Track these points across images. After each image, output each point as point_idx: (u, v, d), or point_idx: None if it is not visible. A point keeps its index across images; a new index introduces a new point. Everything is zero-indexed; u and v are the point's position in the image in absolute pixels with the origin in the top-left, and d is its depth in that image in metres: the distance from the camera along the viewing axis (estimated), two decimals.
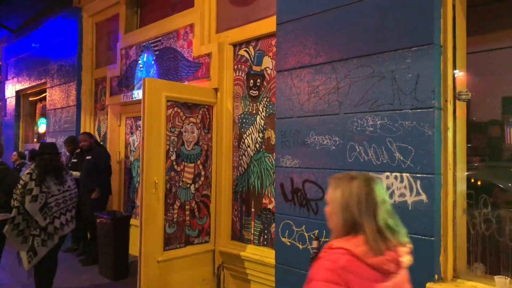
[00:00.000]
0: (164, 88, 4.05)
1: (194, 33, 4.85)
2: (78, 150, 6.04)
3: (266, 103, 4.16)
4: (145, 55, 5.68)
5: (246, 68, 4.37)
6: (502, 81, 4.21)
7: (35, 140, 9.34)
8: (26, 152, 7.93)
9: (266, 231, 4.12)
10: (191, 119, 4.32)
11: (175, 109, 4.17)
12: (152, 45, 5.56)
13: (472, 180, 2.89)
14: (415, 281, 2.51)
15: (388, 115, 2.70)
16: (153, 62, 5.52)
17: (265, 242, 4.12)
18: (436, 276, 2.48)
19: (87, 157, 5.68)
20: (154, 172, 3.93)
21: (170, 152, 4.12)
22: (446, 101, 2.59)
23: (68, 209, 4.06)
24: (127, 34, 6.12)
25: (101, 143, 6.38)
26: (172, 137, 4.15)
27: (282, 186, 3.36)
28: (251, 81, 4.32)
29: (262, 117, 4.19)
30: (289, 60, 3.36)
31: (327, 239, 2.98)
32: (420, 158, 2.54)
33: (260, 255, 4.00)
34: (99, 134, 6.79)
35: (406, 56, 2.65)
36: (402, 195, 2.61)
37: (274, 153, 3.60)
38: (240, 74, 4.44)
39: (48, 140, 7.59)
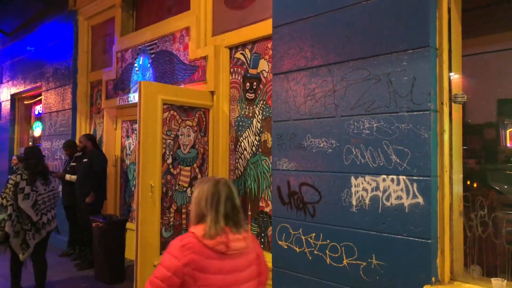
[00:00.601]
0: (160, 91, 4.04)
1: (190, 36, 4.85)
2: (78, 154, 6.02)
3: (263, 106, 4.15)
4: (141, 58, 5.67)
5: (242, 71, 4.37)
6: (497, 83, 4.23)
7: (30, 143, 9.29)
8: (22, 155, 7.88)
9: (263, 234, 4.11)
10: (188, 122, 4.31)
11: (171, 112, 4.16)
12: (148, 48, 5.55)
13: (468, 183, 2.90)
14: (413, 284, 2.52)
15: (384, 118, 2.71)
16: (149, 65, 5.51)
17: (262, 246, 4.11)
18: (433, 279, 2.48)
19: (84, 160, 5.66)
20: (150, 175, 3.92)
21: (166, 156, 4.11)
22: (442, 103, 2.60)
23: (52, 207, 4.53)
24: (123, 37, 6.11)
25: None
26: (168, 140, 4.13)
27: (279, 189, 3.36)
28: (247, 84, 4.32)
29: (259, 120, 4.19)
30: (285, 63, 3.37)
31: (325, 242, 2.98)
32: (417, 160, 2.54)
33: None
34: None
35: (402, 59, 2.65)
36: (398, 197, 2.61)
37: (271, 156, 3.60)
38: (236, 77, 4.43)
39: (44, 143, 7.55)
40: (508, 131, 4.43)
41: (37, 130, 8.91)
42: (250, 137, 4.27)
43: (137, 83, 4.21)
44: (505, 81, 4.20)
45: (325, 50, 3.09)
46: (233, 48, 4.47)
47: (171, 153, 4.16)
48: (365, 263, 2.77)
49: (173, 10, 5.42)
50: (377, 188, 2.72)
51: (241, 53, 4.39)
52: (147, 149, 3.90)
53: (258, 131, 4.19)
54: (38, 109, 8.88)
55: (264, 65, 4.16)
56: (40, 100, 8.08)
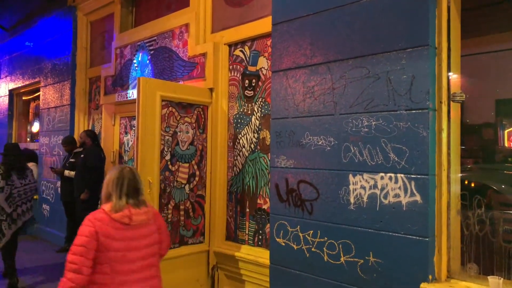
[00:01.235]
0: (159, 88, 4.04)
1: (189, 32, 4.84)
2: (77, 150, 6.02)
3: (261, 103, 4.15)
4: (140, 54, 5.66)
5: (241, 68, 4.37)
6: (495, 83, 4.24)
7: (28, 139, 9.27)
8: None
9: (260, 232, 4.12)
10: (186, 119, 4.31)
11: (170, 108, 4.16)
12: (147, 44, 5.54)
13: (466, 182, 2.91)
14: (410, 282, 2.53)
15: (383, 116, 2.71)
16: (148, 61, 5.50)
17: (259, 243, 4.12)
18: (430, 277, 2.49)
19: (81, 155, 5.66)
20: (149, 172, 3.92)
21: (165, 152, 4.11)
22: (441, 102, 2.60)
23: (28, 199, 4.95)
24: (122, 33, 6.10)
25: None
26: (167, 137, 4.13)
27: (277, 187, 3.36)
28: (246, 81, 4.31)
29: (257, 117, 4.19)
30: (284, 60, 3.37)
31: (322, 239, 2.99)
32: (415, 159, 2.55)
33: (254, 256, 3.99)
34: None
35: (401, 57, 2.66)
36: (396, 195, 2.62)
37: (269, 154, 3.60)
38: (235, 74, 4.43)
39: (42, 139, 7.54)
40: (506, 131, 4.45)
41: (35, 125, 8.90)
42: (248, 134, 4.27)
43: (136, 79, 4.20)
44: (504, 82, 4.21)
45: (325, 48, 3.09)
46: (232, 45, 4.46)
47: (170, 149, 4.15)
48: (362, 261, 2.78)
49: (173, 6, 5.41)
50: (375, 186, 2.73)
51: (240, 50, 4.38)
52: (146, 145, 3.90)
53: (257, 129, 4.19)
54: (36, 104, 8.86)
55: (263, 63, 4.15)
56: (38, 96, 8.06)
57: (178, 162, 4.23)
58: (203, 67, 4.62)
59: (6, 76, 9.25)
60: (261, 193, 4.12)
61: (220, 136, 4.46)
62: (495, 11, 3.39)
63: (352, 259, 2.83)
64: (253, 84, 4.24)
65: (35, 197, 7.33)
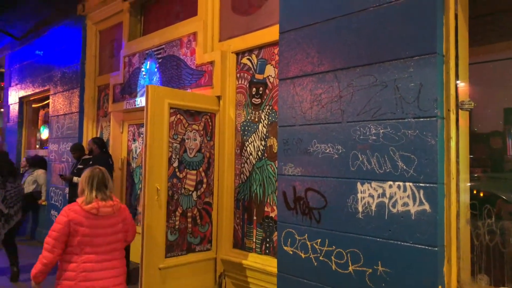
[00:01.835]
0: (167, 95, 4.07)
1: (197, 41, 4.88)
2: (85, 157, 6.06)
3: (269, 111, 4.16)
4: (148, 62, 5.71)
5: (249, 76, 4.39)
6: (504, 92, 4.21)
7: (37, 146, 9.36)
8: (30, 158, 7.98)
9: (268, 240, 4.11)
10: (194, 126, 4.33)
11: (178, 116, 4.18)
12: (155, 53, 5.59)
13: (475, 191, 2.88)
14: None
15: (390, 124, 2.70)
16: (156, 69, 5.55)
17: (267, 251, 4.11)
18: (440, 287, 2.46)
19: (90, 162, 5.70)
20: (156, 179, 3.93)
21: (173, 159, 4.13)
22: (449, 110, 2.59)
23: (18, 200, 5.39)
24: (131, 42, 6.16)
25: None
26: (175, 144, 4.15)
27: (284, 194, 3.36)
28: (254, 89, 4.33)
29: (265, 125, 4.20)
30: (291, 68, 3.38)
31: (330, 248, 2.97)
32: (423, 167, 2.53)
33: (262, 264, 3.98)
34: None
35: (408, 65, 2.65)
36: (405, 204, 2.60)
37: (277, 161, 3.60)
38: (242, 82, 4.45)
39: (51, 146, 7.61)
40: None
41: (44, 132, 8.99)
42: (256, 142, 4.28)
43: (144, 87, 4.25)
44: None
45: (332, 56, 3.10)
46: (239, 54, 4.49)
47: (177, 156, 4.17)
48: (371, 270, 2.75)
49: (181, 15, 5.46)
50: (383, 194, 2.71)
51: (248, 59, 4.41)
52: (154, 152, 3.92)
53: (264, 136, 4.20)
54: (46, 112, 8.96)
55: (270, 71, 4.17)
56: (48, 103, 8.15)
57: (185, 169, 4.24)
58: (211, 75, 4.65)
59: (16, 84, 9.37)
60: (268, 200, 4.12)
61: (227, 143, 4.48)
62: (503, 19, 3.38)
63: (360, 268, 2.81)
64: (260, 92, 4.26)
65: (43, 203, 7.45)
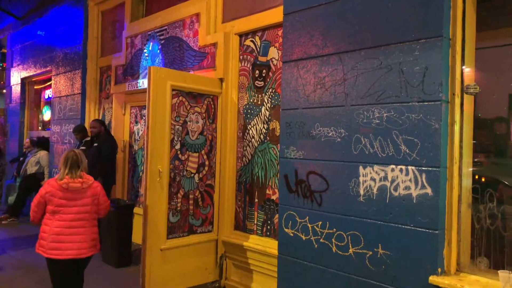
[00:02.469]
0: (169, 77, 4.05)
1: (200, 22, 4.83)
2: (88, 138, 6.07)
3: (272, 94, 4.14)
4: (151, 44, 5.66)
5: (252, 59, 4.35)
6: (509, 78, 4.16)
7: (39, 128, 9.37)
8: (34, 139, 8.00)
9: (269, 222, 4.13)
10: (196, 108, 4.32)
11: (180, 98, 4.17)
12: (157, 34, 5.54)
13: (477, 177, 2.87)
14: (419, 274, 2.53)
15: (394, 108, 2.69)
16: (158, 51, 5.50)
17: (268, 233, 4.14)
18: (439, 270, 2.49)
19: (95, 144, 5.71)
20: (159, 161, 3.94)
21: (175, 141, 4.13)
22: (454, 94, 2.57)
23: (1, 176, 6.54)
24: (133, 22, 6.10)
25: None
26: (177, 126, 4.15)
27: (286, 177, 3.36)
28: (257, 71, 4.30)
29: (267, 108, 4.18)
30: (295, 50, 3.34)
31: (331, 230, 2.99)
32: (426, 151, 2.53)
33: (262, 246, 4.02)
34: None
35: (414, 49, 2.62)
36: (407, 188, 2.61)
37: (279, 144, 3.60)
38: (245, 64, 4.42)
39: (53, 127, 7.62)
40: None
41: (46, 114, 8.98)
42: (258, 125, 4.27)
43: (146, 69, 4.21)
44: None
45: (336, 38, 3.06)
46: (243, 35, 4.44)
47: (180, 139, 4.17)
48: (371, 253, 2.78)
49: None
50: (385, 178, 2.72)
51: (251, 41, 4.36)
52: (156, 134, 3.92)
53: (267, 119, 4.19)
54: (48, 93, 8.94)
55: (274, 53, 4.13)
56: (50, 85, 8.13)
57: (187, 152, 4.25)
58: (214, 57, 4.61)
59: (18, 65, 9.33)
60: (270, 183, 4.13)
61: (229, 126, 4.47)
62: (510, 3, 3.32)
63: (360, 251, 2.84)
64: (264, 75, 4.23)
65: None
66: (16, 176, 7.78)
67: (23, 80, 9.25)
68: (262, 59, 4.25)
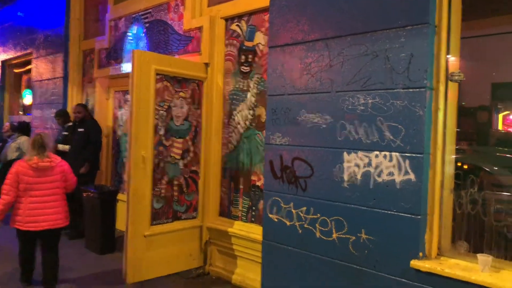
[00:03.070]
0: (153, 61, 3.97)
1: (185, 5, 4.74)
2: (70, 124, 5.95)
3: (258, 79, 4.11)
4: (135, 27, 5.55)
5: (238, 44, 4.30)
6: (492, 67, 4.22)
7: (20, 112, 9.15)
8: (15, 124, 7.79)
9: (254, 208, 4.14)
10: (181, 93, 4.26)
11: (165, 83, 4.10)
12: (142, 17, 5.43)
13: (459, 164, 2.92)
14: (400, 258, 2.57)
15: (379, 94, 2.69)
16: (143, 34, 5.40)
17: (252, 219, 4.15)
18: (420, 254, 2.53)
19: (79, 129, 5.60)
20: (142, 146, 3.89)
21: (159, 127, 4.07)
22: (438, 81, 2.58)
23: None
24: (117, 5, 5.95)
25: None
26: (161, 112, 4.09)
27: (271, 164, 3.36)
28: (243, 57, 4.25)
29: (253, 94, 4.15)
30: (282, 36, 3.31)
31: (315, 216, 3.01)
32: (410, 137, 2.55)
33: (247, 231, 4.03)
34: None
35: (400, 35, 2.62)
36: (390, 174, 2.63)
37: (265, 131, 3.58)
38: (231, 49, 4.36)
39: (34, 112, 7.45)
40: (501, 115, 4.46)
41: (27, 97, 8.76)
42: (244, 111, 4.24)
43: (130, 52, 4.12)
44: (501, 65, 4.19)
45: (323, 24, 3.04)
46: (229, 20, 4.38)
47: (164, 124, 4.12)
48: (354, 238, 2.81)
49: None
50: (369, 164, 2.73)
51: (237, 25, 4.30)
52: (140, 119, 3.86)
53: (252, 105, 4.16)
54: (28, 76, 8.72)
55: (260, 38, 4.09)
56: (30, 69, 7.92)
57: (172, 138, 4.20)
58: (199, 42, 4.54)
59: None
60: (255, 170, 4.13)
61: (215, 112, 4.43)
62: None
63: (344, 236, 2.86)
64: (250, 60, 4.19)
65: None
66: None
67: (3, 63, 8.99)
68: (248, 44, 4.20)
